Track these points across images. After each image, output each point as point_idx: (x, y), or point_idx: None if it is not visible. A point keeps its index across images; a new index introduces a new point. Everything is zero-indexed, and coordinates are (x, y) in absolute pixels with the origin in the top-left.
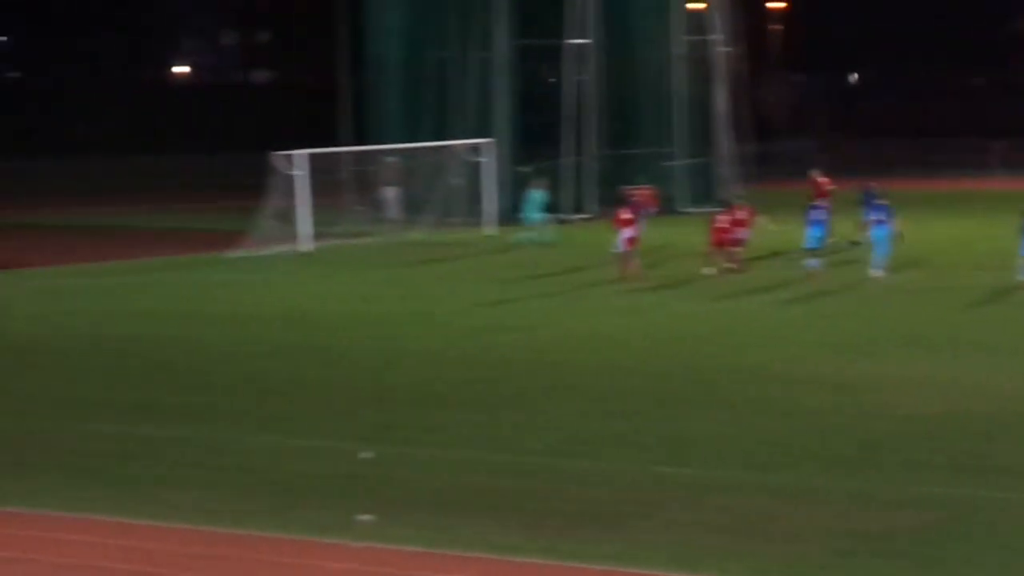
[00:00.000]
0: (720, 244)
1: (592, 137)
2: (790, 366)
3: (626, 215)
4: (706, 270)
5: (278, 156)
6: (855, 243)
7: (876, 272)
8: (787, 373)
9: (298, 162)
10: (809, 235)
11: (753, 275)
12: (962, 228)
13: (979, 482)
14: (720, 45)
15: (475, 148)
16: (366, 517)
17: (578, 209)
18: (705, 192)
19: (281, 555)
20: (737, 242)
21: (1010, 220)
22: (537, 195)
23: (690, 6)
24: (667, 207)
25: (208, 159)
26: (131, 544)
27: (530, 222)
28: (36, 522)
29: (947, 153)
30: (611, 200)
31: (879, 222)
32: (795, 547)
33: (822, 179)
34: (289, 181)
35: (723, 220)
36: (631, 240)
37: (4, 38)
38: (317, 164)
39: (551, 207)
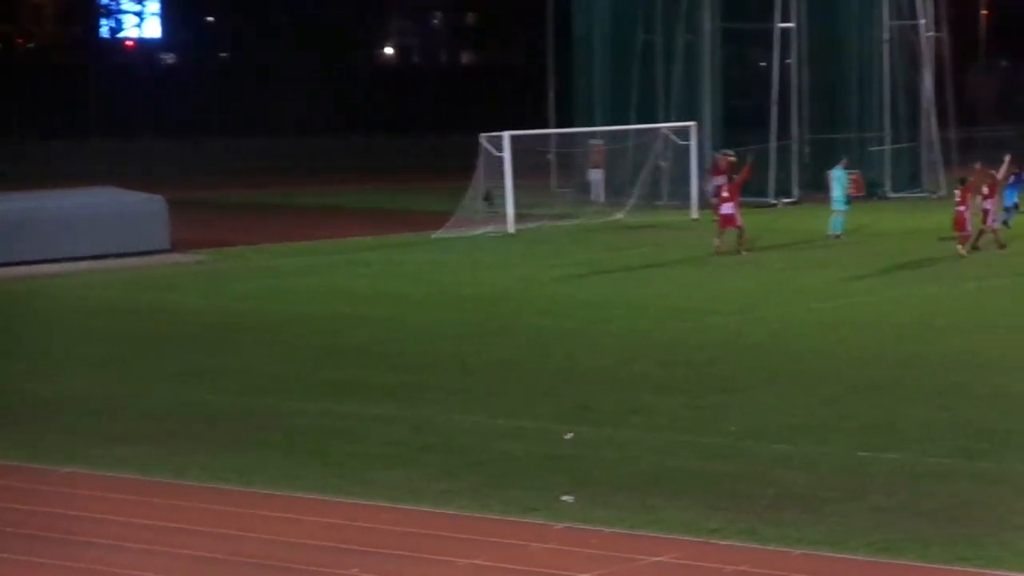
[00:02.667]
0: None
1: (798, 121)
2: (997, 352)
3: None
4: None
5: (486, 137)
6: None
7: None
8: (994, 360)
9: (505, 143)
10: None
11: (970, 259)
12: None
13: None
14: (927, 30)
15: (681, 131)
16: (568, 497)
17: (784, 193)
18: (911, 177)
19: (484, 534)
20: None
21: None
22: (841, 175)
23: None
24: (874, 192)
25: (416, 140)
26: (336, 522)
27: (839, 205)
28: (247, 499)
29: None
30: (816, 185)
31: None
32: (1003, 534)
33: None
34: (496, 162)
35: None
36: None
37: (211, 18)
38: (523, 145)
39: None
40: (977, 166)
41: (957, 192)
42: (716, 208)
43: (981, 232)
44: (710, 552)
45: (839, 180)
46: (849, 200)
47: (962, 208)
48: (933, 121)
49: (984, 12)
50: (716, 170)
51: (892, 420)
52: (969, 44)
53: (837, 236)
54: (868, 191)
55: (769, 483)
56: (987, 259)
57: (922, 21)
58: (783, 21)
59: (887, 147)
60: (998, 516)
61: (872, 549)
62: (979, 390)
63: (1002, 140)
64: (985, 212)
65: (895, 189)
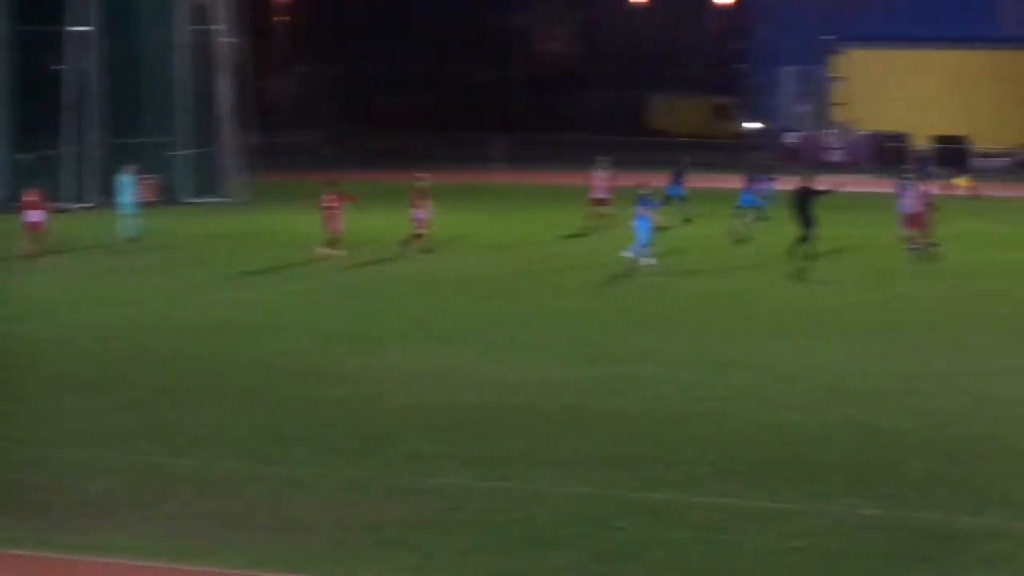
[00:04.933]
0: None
1: (94, 126)
2: (295, 357)
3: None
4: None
5: None
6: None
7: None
8: (292, 364)
9: None
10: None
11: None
12: (468, 219)
13: (479, 473)
14: (223, 35)
15: None
16: None
17: (79, 198)
18: (208, 182)
19: None
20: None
21: (511, 212)
22: (127, 180)
23: None
24: (170, 197)
25: None
26: None
27: (127, 210)
28: None
29: (453, 147)
30: (112, 190)
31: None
32: (294, 537)
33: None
34: None
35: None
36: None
37: None
38: None
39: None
40: (420, 175)
41: (326, 197)
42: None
43: (418, 236)
44: (6, 560)
45: (126, 185)
46: (140, 205)
47: (334, 208)
48: (230, 127)
49: (283, 18)
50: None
51: (187, 425)
52: (268, 50)
53: (133, 239)
54: (164, 196)
55: (63, 491)
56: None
57: (219, 27)
58: (79, 24)
59: (183, 152)
60: (293, 520)
61: (170, 555)
62: (274, 395)
63: (306, 145)
64: (419, 221)
65: (192, 194)
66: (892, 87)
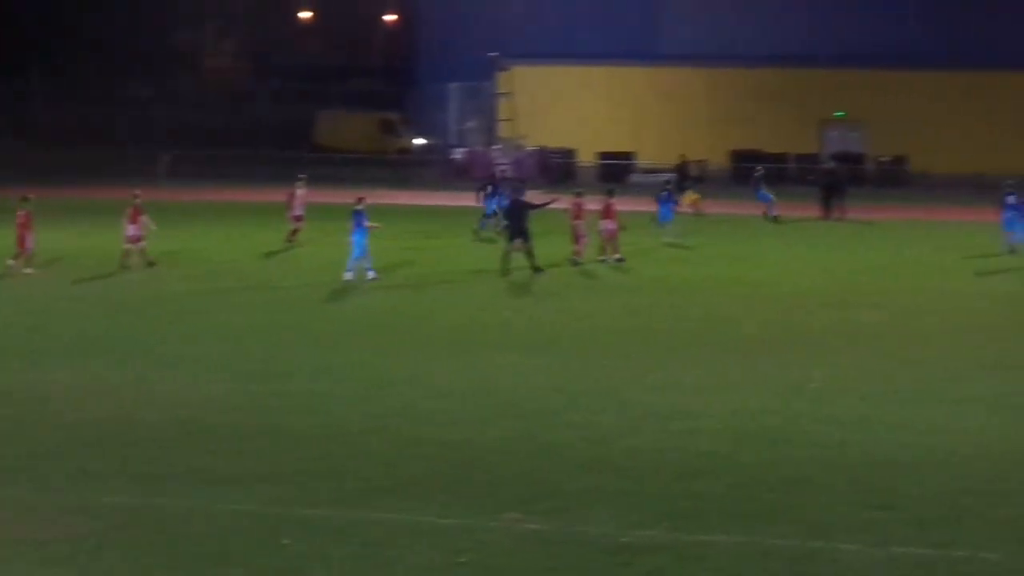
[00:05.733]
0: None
1: None
2: None
3: None
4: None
5: None
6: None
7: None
8: None
9: None
10: None
11: None
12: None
13: (146, 489)
14: None
15: None
16: None
17: None
18: None
19: None
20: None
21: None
22: None
23: None
24: None
25: None
26: None
27: None
28: None
29: (117, 163)
30: None
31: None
32: None
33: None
34: None
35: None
36: None
37: None
38: None
39: None
40: (136, 192)
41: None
42: None
43: (128, 252)
44: None
45: None
46: None
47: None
48: None
49: None
50: None
51: None
52: None
53: None
54: None
55: None
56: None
57: None
58: None
59: None
60: None
61: None
62: None
63: None
64: (131, 238)
65: None
66: (557, 103)
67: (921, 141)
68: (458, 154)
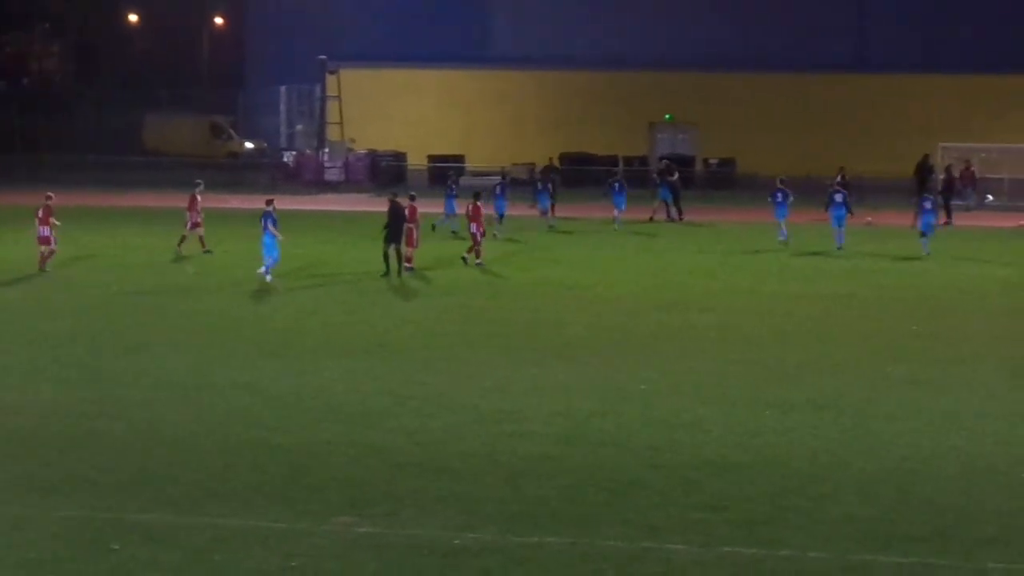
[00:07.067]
0: None
1: None
2: None
3: None
4: None
5: None
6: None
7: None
8: None
9: None
10: None
11: None
12: None
13: None
14: None
15: None
16: None
17: None
18: None
19: None
20: None
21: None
22: None
23: None
24: None
25: None
26: None
27: None
28: None
29: None
30: None
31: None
32: None
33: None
34: None
35: None
36: None
37: None
38: None
39: None
40: (49, 193)
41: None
42: None
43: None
44: None
45: None
46: None
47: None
48: None
49: None
50: None
51: None
52: None
53: None
54: None
55: None
56: None
57: None
58: None
59: None
60: None
61: None
62: None
63: None
64: (45, 239)
65: None
66: (387, 106)
67: (747, 144)
68: (288, 157)
